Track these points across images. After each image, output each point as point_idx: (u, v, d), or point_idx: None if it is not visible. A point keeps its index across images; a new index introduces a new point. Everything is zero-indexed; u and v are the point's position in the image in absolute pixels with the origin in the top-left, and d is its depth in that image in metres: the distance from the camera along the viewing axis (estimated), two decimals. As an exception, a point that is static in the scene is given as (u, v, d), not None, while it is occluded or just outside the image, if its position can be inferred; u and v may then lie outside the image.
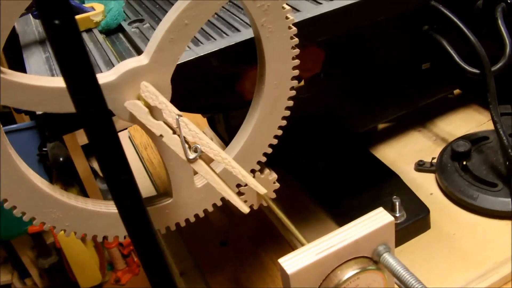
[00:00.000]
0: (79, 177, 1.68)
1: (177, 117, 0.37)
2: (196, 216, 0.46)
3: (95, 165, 1.87)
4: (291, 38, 0.42)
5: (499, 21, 0.63)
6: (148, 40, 0.46)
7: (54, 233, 1.64)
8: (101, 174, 1.89)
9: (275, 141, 0.46)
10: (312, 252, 0.37)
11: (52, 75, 0.44)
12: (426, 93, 0.77)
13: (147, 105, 0.38)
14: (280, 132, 0.46)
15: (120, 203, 0.30)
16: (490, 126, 0.74)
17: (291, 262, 0.36)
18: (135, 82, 0.38)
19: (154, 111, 0.39)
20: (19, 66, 0.48)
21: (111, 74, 0.38)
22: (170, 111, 0.38)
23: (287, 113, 0.45)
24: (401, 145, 0.75)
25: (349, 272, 0.37)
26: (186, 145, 0.37)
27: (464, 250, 0.59)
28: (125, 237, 0.43)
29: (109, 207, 0.42)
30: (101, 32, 0.50)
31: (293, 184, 0.71)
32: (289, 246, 0.65)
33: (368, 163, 0.69)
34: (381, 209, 0.40)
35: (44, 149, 1.65)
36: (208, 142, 0.37)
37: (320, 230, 0.64)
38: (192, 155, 0.37)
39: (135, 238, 0.32)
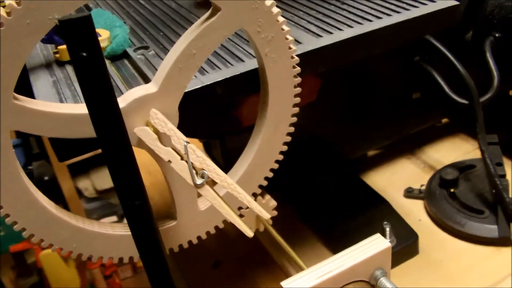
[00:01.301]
0: (64, 197, 1.68)
1: (185, 143, 0.39)
2: (199, 238, 0.47)
3: (80, 185, 1.87)
4: (293, 67, 0.44)
5: (487, 54, 0.65)
6: (154, 66, 0.48)
7: (36, 252, 1.63)
8: (85, 194, 1.89)
9: (276, 166, 0.48)
10: (313, 276, 0.38)
11: (60, 99, 0.45)
12: (416, 121, 0.79)
13: (156, 131, 0.40)
14: (281, 157, 0.48)
15: (133, 227, 0.32)
16: (476, 154, 0.77)
17: (294, 285, 0.38)
18: (144, 109, 0.40)
19: (162, 137, 0.40)
20: (24, 89, 0.49)
21: (120, 102, 0.40)
22: (179, 137, 0.39)
23: (288, 138, 0.47)
24: (390, 172, 0.77)
25: (348, 296, 0.39)
26: (194, 171, 0.39)
27: (451, 275, 0.61)
28: (130, 259, 0.44)
29: (115, 230, 0.43)
30: (106, 57, 0.51)
31: (285, 208, 0.73)
32: (281, 270, 0.66)
33: (358, 189, 0.71)
34: (378, 235, 0.42)
35: (29, 167, 1.65)
36: (214, 168, 0.39)
37: (312, 255, 0.65)
38: (199, 181, 0.39)
39: (146, 260, 0.33)
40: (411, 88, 0.74)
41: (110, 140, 0.29)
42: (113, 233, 0.43)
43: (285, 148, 0.47)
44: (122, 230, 0.43)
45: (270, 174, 0.48)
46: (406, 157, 0.79)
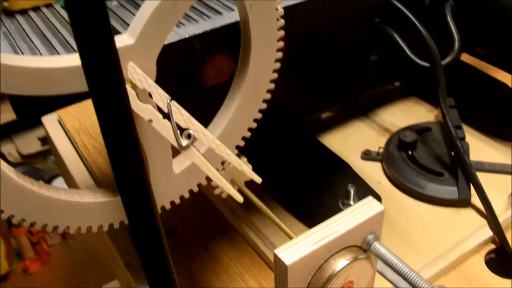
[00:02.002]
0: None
1: (168, 101, 0.35)
2: (172, 203, 0.44)
3: (3, 149, 1.76)
4: (278, 29, 0.41)
5: (448, 17, 0.65)
6: (121, 18, 0.43)
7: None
8: (9, 159, 1.78)
9: (254, 125, 0.45)
10: (307, 242, 0.36)
11: (16, 52, 0.40)
12: (371, 84, 0.78)
13: (133, 87, 0.36)
14: (260, 116, 0.45)
15: (128, 195, 0.28)
16: (430, 117, 0.77)
17: (288, 253, 0.35)
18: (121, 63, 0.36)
19: (140, 95, 0.36)
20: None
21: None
22: (161, 94, 0.35)
23: (268, 96, 0.44)
24: (345, 135, 0.76)
25: (342, 262, 0.37)
26: (178, 131, 0.35)
27: (413, 237, 0.61)
28: (99, 228, 0.40)
29: (84, 197, 0.39)
30: (63, 8, 0.46)
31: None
32: (241, 237, 0.64)
33: (318, 153, 0.70)
34: (370, 198, 0.40)
35: None
36: (201, 128, 0.36)
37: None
38: (184, 142, 0.35)
39: (141, 237, 0.29)
40: (369, 51, 0.73)
41: (107, 93, 0.25)
42: (82, 201, 0.39)
43: (264, 106, 0.45)
44: (92, 197, 0.39)
45: (248, 134, 0.45)
46: (361, 119, 0.79)
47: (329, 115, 0.79)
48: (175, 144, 0.35)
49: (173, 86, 0.54)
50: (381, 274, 0.41)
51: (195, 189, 0.44)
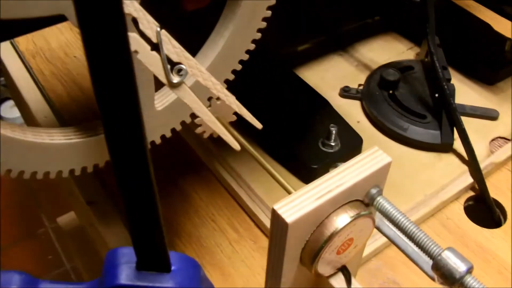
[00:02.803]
0: None
1: (157, 29, 0.30)
2: (152, 143, 0.39)
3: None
4: None
5: None
6: None
7: None
8: None
9: (246, 57, 0.40)
10: (310, 197, 0.32)
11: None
12: (348, 17, 0.73)
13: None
14: (253, 46, 0.40)
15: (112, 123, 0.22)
16: (409, 55, 0.74)
17: (288, 209, 0.31)
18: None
19: (123, 20, 0.30)
20: None
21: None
22: (149, 21, 0.30)
23: (263, 24, 0.39)
24: (323, 69, 0.72)
25: (345, 219, 0.33)
26: (168, 66, 0.30)
27: (394, 182, 0.58)
28: (71, 172, 0.35)
29: (54, 137, 0.33)
30: None
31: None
32: (214, 177, 0.60)
33: (296, 89, 0.65)
34: (376, 148, 0.36)
35: None
36: (196, 62, 0.30)
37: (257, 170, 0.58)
38: (176, 79, 0.30)
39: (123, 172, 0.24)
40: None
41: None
42: (51, 142, 0.33)
43: (258, 35, 0.39)
44: (62, 138, 0.34)
45: (239, 67, 0.40)
46: (339, 54, 0.74)
47: (305, 48, 0.74)
48: (164, 81, 0.30)
49: (146, 9, 0.48)
50: (378, 229, 0.38)
51: (178, 127, 0.39)
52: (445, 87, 0.59)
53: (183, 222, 0.56)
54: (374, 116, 0.63)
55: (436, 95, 0.62)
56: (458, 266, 0.32)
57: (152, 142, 0.39)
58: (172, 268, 0.29)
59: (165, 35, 0.29)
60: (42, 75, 0.71)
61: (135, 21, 0.30)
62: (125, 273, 0.28)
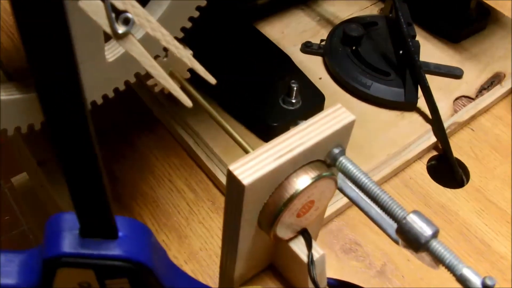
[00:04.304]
0: None
1: (100, -29, 0.26)
2: (105, 97, 0.36)
3: None
4: None
5: None
6: None
7: None
8: None
9: (196, 13, 0.37)
10: (268, 157, 0.30)
11: None
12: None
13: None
14: (204, 3, 0.37)
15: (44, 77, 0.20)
16: (373, 11, 0.72)
17: (245, 170, 0.29)
18: None
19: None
20: None
21: None
22: (90, -38, 0.26)
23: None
24: (284, 24, 0.69)
25: (306, 180, 0.31)
26: (113, 15, 0.27)
27: (357, 141, 0.57)
28: (16, 130, 0.32)
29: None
30: None
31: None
32: (170, 135, 0.57)
33: (255, 43, 0.62)
34: (339, 105, 0.34)
35: None
36: (143, 11, 0.27)
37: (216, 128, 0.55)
38: (121, 29, 0.27)
39: (59, 130, 0.22)
40: None
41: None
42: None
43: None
44: (4, 93, 0.30)
45: (188, 24, 0.37)
46: (300, 8, 0.71)
47: (266, 1, 0.71)
48: (109, 31, 0.27)
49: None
50: (340, 190, 0.36)
51: (132, 79, 0.36)
52: (410, 43, 0.57)
53: (138, 183, 0.54)
54: (337, 72, 0.61)
55: (401, 52, 0.60)
56: (423, 230, 0.30)
57: (105, 96, 0.36)
58: (119, 234, 0.27)
59: (109, -22, 0.26)
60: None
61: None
62: (68, 241, 0.26)
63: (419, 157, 0.57)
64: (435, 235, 0.30)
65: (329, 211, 0.51)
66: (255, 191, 0.30)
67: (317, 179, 0.32)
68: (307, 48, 0.65)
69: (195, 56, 0.54)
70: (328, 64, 0.63)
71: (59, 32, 0.19)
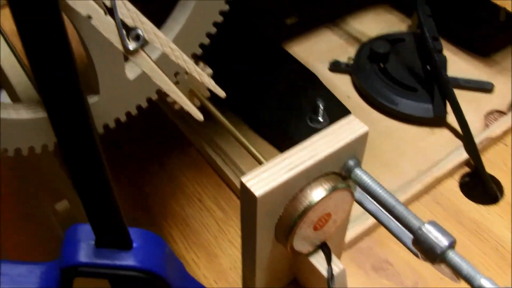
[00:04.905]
0: None
1: (112, -8, 0.28)
2: (128, 114, 0.37)
3: None
4: None
5: None
6: None
7: None
8: None
9: (214, 30, 0.38)
10: (281, 169, 0.30)
11: None
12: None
13: (67, -26, 0.28)
14: (220, 19, 0.37)
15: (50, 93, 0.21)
16: (402, 27, 0.71)
17: (257, 182, 0.30)
18: None
19: (76, -17, 0.28)
20: None
21: None
22: (102, -16, 0.28)
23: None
24: (311, 43, 0.70)
25: (320, 192, 0.32)
26: (124, 32, 0.28)
27: (384, 158, 0.56)
28: (43, 148, 0.34)
29: (21, 113, 0.31)
30: None
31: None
32: (198, 153, 0.58)
33: (283, 63, 0.63)
34: (352, 117, 0.34)
35: None
36: (153, 27, 0.28)
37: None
38: (132, 45, 0.28)
39: (72, 150, 0.23)
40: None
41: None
42: (19, 117, 0.32)
43: (226, 7, 0.37)
44: (31, 113, 0.32)
45: (206, 40, 0.38)
46: (328, 27, 0.72)
47: (293, 21, 0.72)
48: (120, 48, 0.28)
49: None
50: (359, 203, 0.36)
51: (154, 96, 0.37)
52: (436, 57, 0.57)
53: (168, 201, 0.55)
54: (364, 90, 0.61)
55: (428, 67, 0.60)
56: (439, 240, 0.30)
57: (128, 113, 0.37)
58: (134, 245, 0.27)
59: (120, -2, 0.28)
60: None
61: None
62: (84, 251, 0.27)
63: (450, 173, 0.56)
64: (451, 245, 0.30)
65: (358, 229, 0.51)
66: (268, 202, 0.30)
67: (331, 191, 0.32)
68: (335, 66, 0.65)
69: (223, 75, 0.55)
70: (356, 82, 0.63)
71: (60, 47, 0.20)
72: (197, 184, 0.56)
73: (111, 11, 0.28)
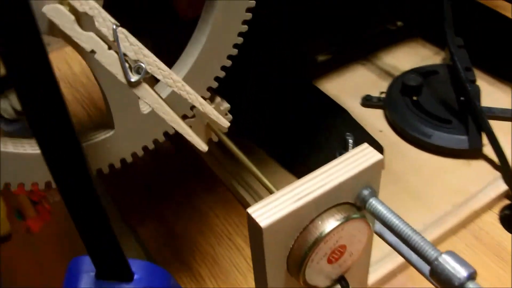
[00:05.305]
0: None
1: (114, 27, 0.28)
2: (145, 148, 0.37)
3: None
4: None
5: None
6: None
7: None
8: (5, 116, 1.71)
9: (229, 63, 0.38)
10: (289, 199, 0.30)
11: None
12: (369, 23, 0.71)
13: (73, 11, 0.29)
14: (235, 52, 0.38)
15: (44, 138, 0.21)
16: (436, 60, 0.70)
17: (264, 212, 0.29)
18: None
19: (82, 20, 0.29)
20: None
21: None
22: (105, 19, 0.28)
23: (244, 28, 0.37)
24: (344, 79, 0.69)
25: (331, 223, 0.30)
26: (127, 64, 0.29)
27: (419, 192, 0.55)
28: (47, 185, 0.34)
29: (35, 147, 0.32)
30: None
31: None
32: (228, 190, 0.58)
33: (314, 99, 0.63)
34: (366, 145, 0.33)
35: None
36: (155, 60, 0.29)
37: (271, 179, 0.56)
38: (134, 77, 0.29)
39: (65, 187, 0.23)
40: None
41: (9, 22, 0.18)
42: (33, 152, 0.32)
43: (240, 40, 0.37)
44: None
45: (222, 74, 0.38)
46: (360, 63, 0.71)
47: (325, 58, 0.72)
48: (123, 81, 0.28)
49: (145, 16, 0.48)
50: (380, 235, 0.35)
51: (171, 131, 0.37)
52: (469, 88, 0.55)
53: (197, 240, 0.55)
54: (397, 123, 0.60)
55: (461, 98, 0.58)
56: (457, 271, 0.28)
57: (145, 147, 0.37)
58: (135, 277, 0.27)
59: (122, 32, 0.28)
60: (65, 100, 0.71)
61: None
62: (84, 282, 0.27)
63: (489, 206, 0.54)
64: (471, 276, 0.28)
65: (390, 266, 0.49)
66: (275, 233, 0.29)
67: (344, 221, 0.31)
68: (367, 101, 0.64)
69: (254, 110, 0.55)
70: (388, 116, 0.62)
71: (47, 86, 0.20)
72: (227, 223, 0.56)
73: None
